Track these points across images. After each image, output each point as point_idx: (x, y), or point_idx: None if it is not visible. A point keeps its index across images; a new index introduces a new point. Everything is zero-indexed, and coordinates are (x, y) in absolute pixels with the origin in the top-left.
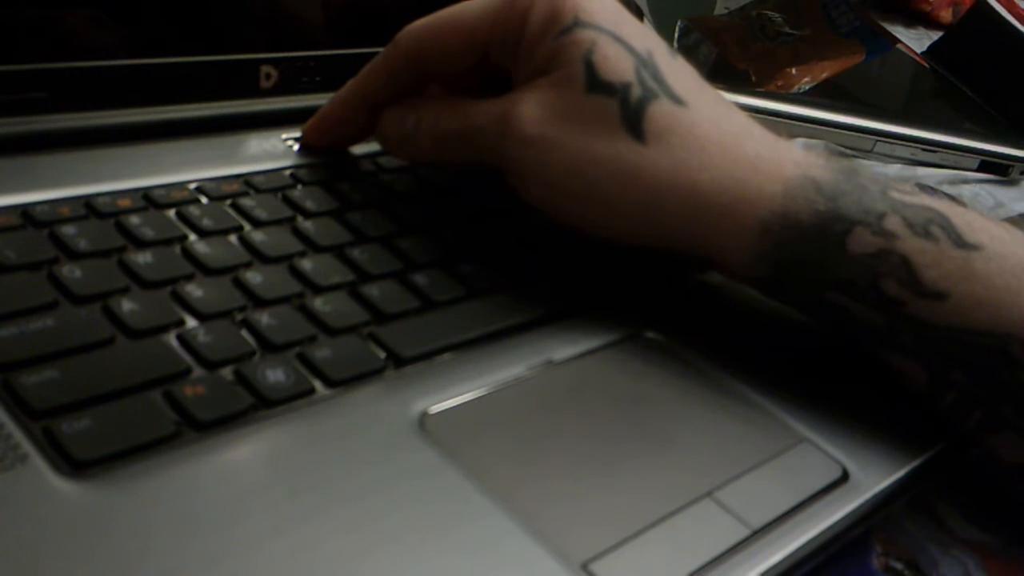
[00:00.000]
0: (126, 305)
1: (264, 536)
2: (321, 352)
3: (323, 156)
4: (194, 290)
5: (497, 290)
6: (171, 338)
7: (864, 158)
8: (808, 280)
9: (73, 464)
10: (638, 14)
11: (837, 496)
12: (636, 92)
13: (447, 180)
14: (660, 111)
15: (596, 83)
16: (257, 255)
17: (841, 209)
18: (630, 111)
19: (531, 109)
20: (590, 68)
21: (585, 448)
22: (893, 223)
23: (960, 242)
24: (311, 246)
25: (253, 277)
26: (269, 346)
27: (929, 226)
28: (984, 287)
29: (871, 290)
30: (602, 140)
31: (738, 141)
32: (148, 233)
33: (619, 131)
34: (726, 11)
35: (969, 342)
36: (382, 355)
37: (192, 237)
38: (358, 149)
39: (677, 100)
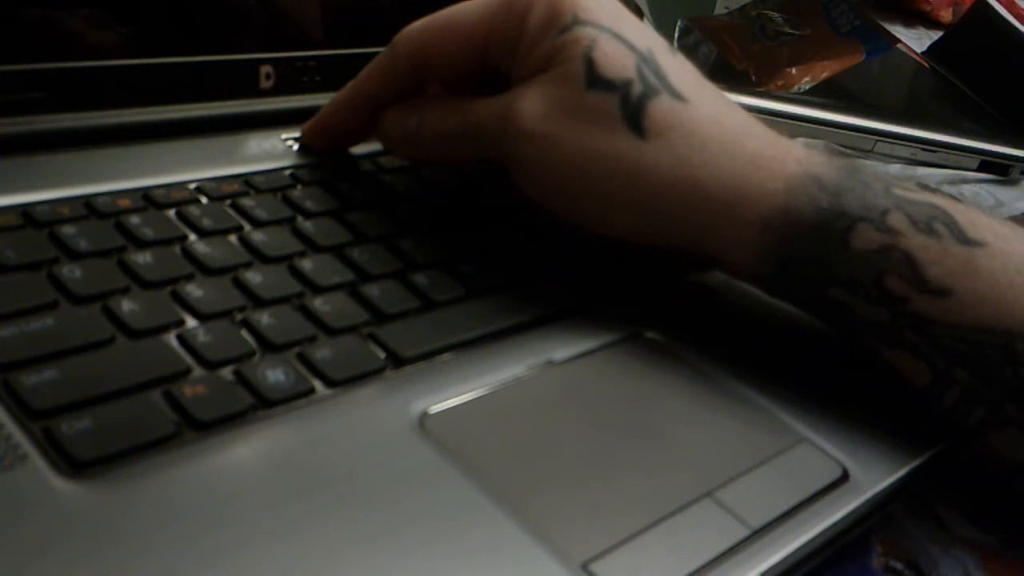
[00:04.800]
0: (126, 305)
1: (263, 536)
2: (321, 352)
3: (323, 156)
4: (194, 290)
5: (497, 290)
6: (171, 338)
7: (864, 158)
8: (810, 277)
9: (73, 464)
10: (638, 14)
11: (837, 496)
12: (637, 88)
13: (447, 180)
14: (661, 107)
15: (597, 80)
16: (257, 255)
17: (844, 205)
18: (631, 107)
19: (532, 105)
20: (590, 65)
21: (585, 448)
22: (896, 220)
23: (963, 239)
24: (311, 246)
25: (253, 277)
26: (269, 346)
27: (932, 223)
28: (987, 283)
29: (874, 287)
30: (603, 136)
31: (739, 138)
32: (148, 233)
33: (620, 127)
34: (726, 11)
35: (973, 339)
36: (382, 355)
37: (192, 237)
38: (358, 149)
39: (678, 97)
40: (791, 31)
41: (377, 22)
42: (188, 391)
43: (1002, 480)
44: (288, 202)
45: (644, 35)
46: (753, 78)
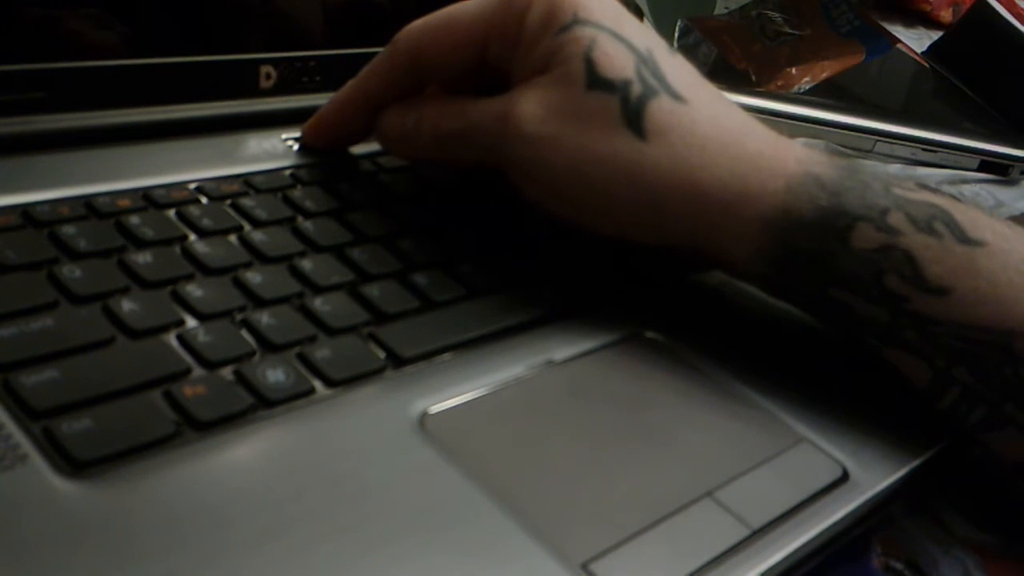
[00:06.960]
0: (126, 305)
1: (264, 536)
2: (321, 352)
3: (323, 156)
4: (194, 290)
5: (497, 290)
6: (171, 338)
7: (864, 158)
8: (811, 276)
9: (73, 464)
10: (638, 14)
11: (837, 496)
12: (636, 89)
13: (447, 180)
14: (660, 108)
15: (596, 80)
16: (257, 255)
17: (844, 205)
18: (630, 108)
19: (531, 107)
20: (590, 65)
21: (585, 448)
22: (896, 219)
23: (963, 238)
24: (311, 246)
25: (253, 277)
26: (269, 346)
27: (932, 222)
28: (987, 283)
29: (874, 286)
30: (602, 137)
31: (739, 138)
32: (148, 233)
33: (619, 128)
34: (726, 11)
35: (973, 338)
36: (382, 355)
37: (192, 237)
38: (358, 149)
39: (677, 97)
40: (791, 31)
41: (377, 22)
42: (188, 391)
43: (1002, 480)
44: (288, 202)
45: (644, 35)
46: (753, 78)
